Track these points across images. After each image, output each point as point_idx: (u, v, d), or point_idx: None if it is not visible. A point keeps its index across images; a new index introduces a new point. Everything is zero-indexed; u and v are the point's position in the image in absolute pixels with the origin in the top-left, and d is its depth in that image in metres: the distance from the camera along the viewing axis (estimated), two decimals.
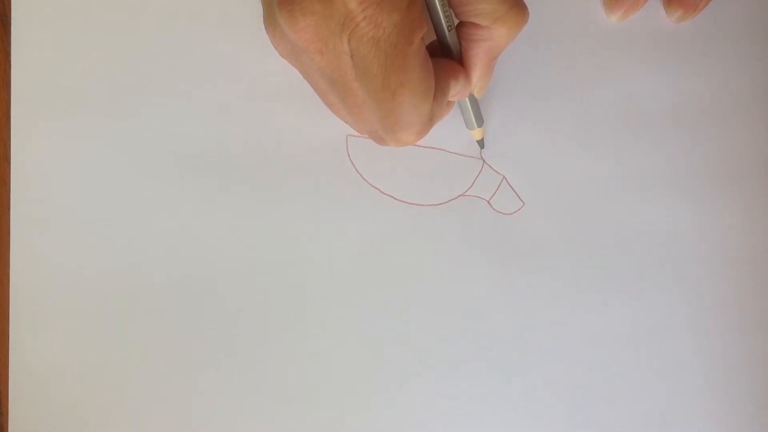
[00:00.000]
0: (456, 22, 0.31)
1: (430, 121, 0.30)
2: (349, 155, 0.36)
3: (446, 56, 0.32)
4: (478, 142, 0.36)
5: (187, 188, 0.36)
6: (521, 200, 0.37)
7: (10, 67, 0.36)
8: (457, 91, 0.31)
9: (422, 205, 0.36)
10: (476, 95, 0.33)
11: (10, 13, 0.36)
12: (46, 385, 0.35)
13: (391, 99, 0.28)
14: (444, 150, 0.36)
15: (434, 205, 0.36)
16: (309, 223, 0.36)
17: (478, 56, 0.31)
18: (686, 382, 0.37)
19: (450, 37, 0.31)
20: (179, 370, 0.36)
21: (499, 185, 0.37)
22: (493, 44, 0.31)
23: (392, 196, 0.36)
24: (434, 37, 0.32)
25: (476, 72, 0.32)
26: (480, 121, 0.35)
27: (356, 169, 0.36)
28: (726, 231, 0.37)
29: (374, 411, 0.36)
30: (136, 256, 0.36)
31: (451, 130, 0.36)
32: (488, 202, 0.37)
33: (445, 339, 0.36)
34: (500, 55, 0.32)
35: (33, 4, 0.36)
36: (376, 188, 0.36)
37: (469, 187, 0.37)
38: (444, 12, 0.30)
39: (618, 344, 0.36)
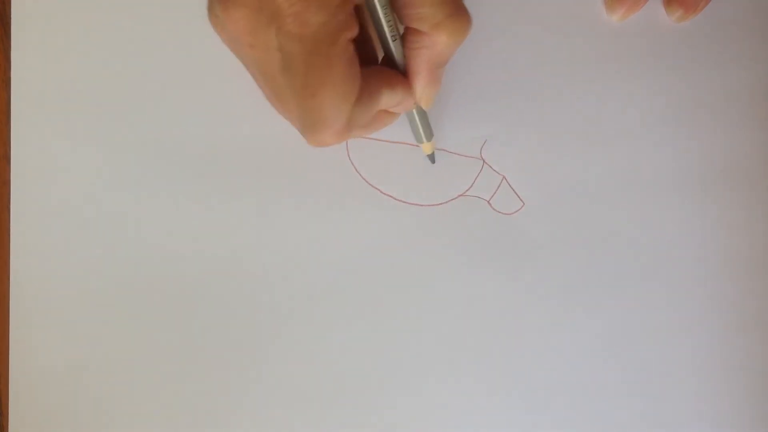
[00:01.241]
0: (401, 30, 0.31)
1: (349, 124, 0.29)
2: (349, 155, 0.36)
3: (392, 67, 0.31)
4: (428, 156, 0.36)
5: (188, 188, 0.36)
6: (521, 200, 0.37)
7: (10, 67, 0.36)
8: (396, 102, 0.31)
9: (422, 205, 0.36)
10: (423, 106, 0.33)
11: (10, 13, 0.36)
12: (46, 385, 0.35)
13: (311, 97, 0.28)
14: (444, 150, 0.36)
15: (434, 205, 0.36)
16: (309, 223, 0.36)
17: (420, 65, 0.31)
18: (686, 382, 0.37)
19: (394, 47, 0.30)
20: (179, 370, 0.36)
21: (499, 185, 0.36)
22: (434, 52, 0.30)
23: (392, 196, 0.36)
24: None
25: (419, 81, 0.31)
26: (429, 134, 0.35)
27: (356, 169, 0.36)
28: (726, 231, 0.37)
29: (374, 410, 0.36)
30: (136, 256, 0.36)
31: (451, 130, 0.36)
32: (488, 202, 0.37)
33: (445, 338, 0.36)
34: (447, 65, 0.31)
35: (33, 4, 0.36)
36: (376, 188, 0.36)
37: (469, 187, 0.37)
38: (387, 22, 0.30)
39: (618, 344, 0.36)
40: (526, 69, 0.37)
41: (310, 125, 0.29)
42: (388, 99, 0.31)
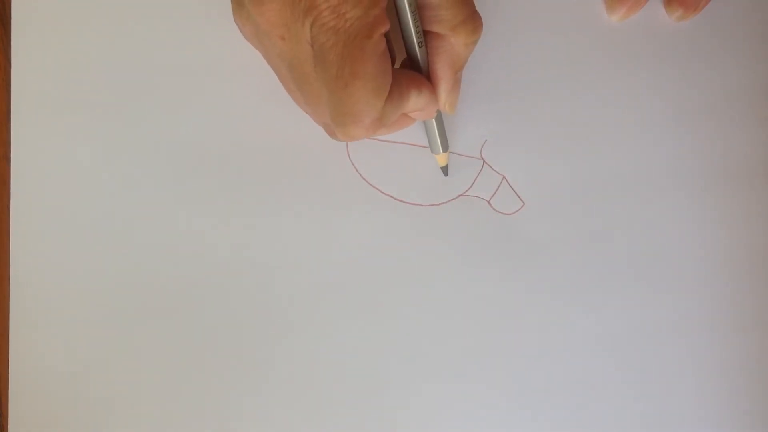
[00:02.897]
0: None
1: (381, 120, 0.30)
2: (349, 155, 0.36)
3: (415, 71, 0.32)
4: (442, 168, 0.36)
5: (188, 188, 0.36)
6: (521, 200, 0.37)
7: (10, 67, 0.36)
8: (421, 106, 0.32)
9: (422, 205, 0.36)
10: (448, 111, 0.34)
11: (10, 13, 0.36)
12: (46, 385, 0.35)
13: (343, 89, 0.28)
14: None
15: (434, 205, 0.36)
16: (309, 223, 0.36)
17: (443, 69, 0.32)
18: (685, 381, 0.37)
19: (420, 54, 0.32)
20: (179, 370, 0.36)
21: (499, 185, 0.36)
22: (453, 54, 0.32)
23: (392, 196, 0.36)
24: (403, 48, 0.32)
25: (444, 86, 0.32)
26: (445, 146, 0.35)
27: (356, 169, 0.36)
28: (726, 231, 0.37)
29: (374, 409, 0.36)
30: (136, 257, 0.36)
31: (451, 130, 0.36)
32: (488, 202, 0.37)
33: (445, 338, 0.36)
34: (464, 68, 0.33)
35: (33, 4, 0.36)
36: (376, 188, 0.36)
37: (469, 187, 0.36)
38: (416, 29, 0.31)
39: (618, 344, 0.36)
40: (526, 69, 0.37)
41: (341, 118, 0.29)
42: (415, 101, 0.31)
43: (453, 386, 0.36)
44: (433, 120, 0.34)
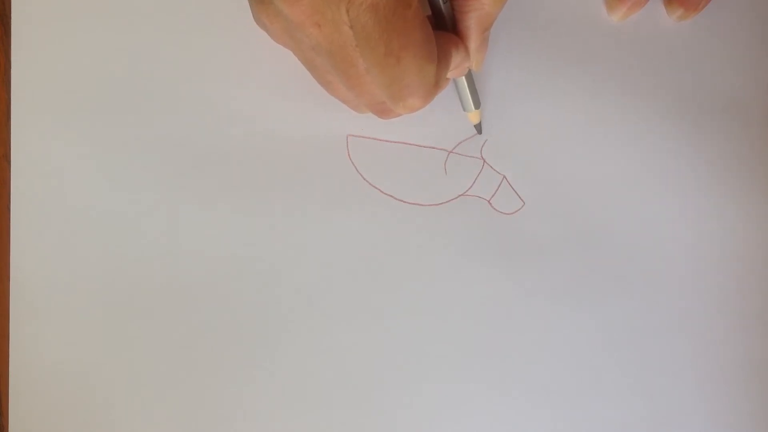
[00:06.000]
0: None
1: (436, 84, 0.30)
2: (349, 155, 0.36)
3: (442, 30, 0.32)
4: (475, 126, 0.36)
5: (188, 188, 0.36)
6: (521, 200, 0.36)
7: (10, 67, 0.36)
8: (457, 63, 0.32)
9: (422, 205, 0.36)
10: (475, 69, 0.34)
11: (10, 13, 0.36)
12: (46, 385, 0.35)
13: (396, 64, 0.28)
14: (444, 150, 0.36)
15: (434, 205, 0.36)
16: (309, 223, 0.36)
17: (471, 27, 0.32)
18: (686, 381, 0.37)
19: (445, 9, 0.31)
20: (179, 370, 0.36)
21: (499, 185, 0.36)
22: (483, 13, 0.31)
23: (392, 196, 0.36)
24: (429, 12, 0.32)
25: (472, 43, 0.32)
26: (477, 102, 0.35)
27: (356, 169, 0.36)
28: (725, 231, 0.37)
29: (372, 410, 0.36)
30: (136, 256, 0.36)
31: (452, 130, 0.36)
32: (488, 202, 0.37)
33: (445, 338, 0.36)
34: (492, 28, 0.33)
35: (33, 4, 0.36)
36: (376, 188, 0.36)
37: (469, 187, 0.36)
38: None
39: (618, 343, 0.36)
40: (526, 69, 0.37)
41: (399, 92, 0.29)
42: (454, 60, 0.31)
43: (453, 386, 0.36)
44: (464, 78, 0.34)
